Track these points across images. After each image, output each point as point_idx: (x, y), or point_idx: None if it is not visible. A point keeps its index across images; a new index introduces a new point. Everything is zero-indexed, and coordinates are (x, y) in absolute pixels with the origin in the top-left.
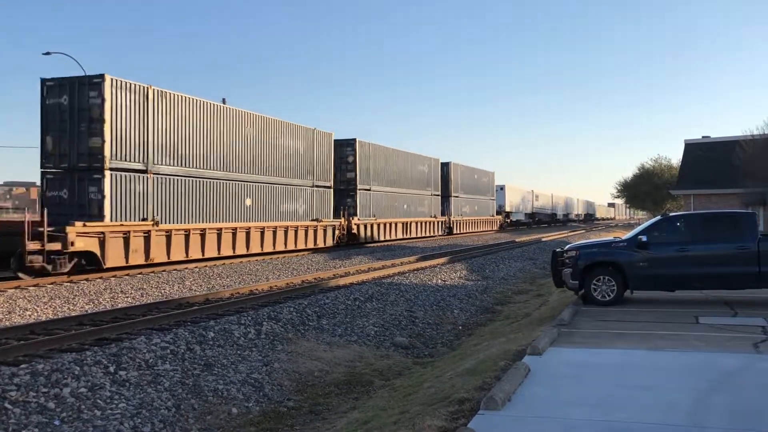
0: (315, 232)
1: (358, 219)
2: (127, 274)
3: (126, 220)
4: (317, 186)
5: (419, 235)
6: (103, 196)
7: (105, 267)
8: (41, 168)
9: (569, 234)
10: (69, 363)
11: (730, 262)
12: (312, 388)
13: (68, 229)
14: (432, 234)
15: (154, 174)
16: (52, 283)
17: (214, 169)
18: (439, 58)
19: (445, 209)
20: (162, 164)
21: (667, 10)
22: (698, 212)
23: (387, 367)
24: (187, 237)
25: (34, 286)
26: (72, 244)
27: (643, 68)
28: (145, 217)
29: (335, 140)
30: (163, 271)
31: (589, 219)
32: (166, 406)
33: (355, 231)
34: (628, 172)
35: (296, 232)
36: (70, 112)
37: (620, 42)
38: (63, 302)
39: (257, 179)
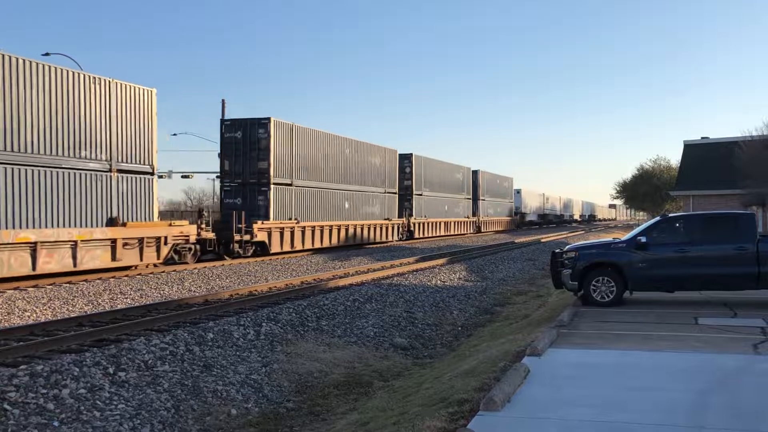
0: (387, 228)
1: (415, 218)
2: (127, 275)
3: (281, 220)
4: (388, 192)
5: (456, 233)
6: (268, 203)
7: (270, 252)
8: (221, 182)
9: (568, 235)
10: (68, 364)
11: (729, 263)
12: (311, 389)
13: (254, 225)
14: (465, 232)
15: (295, 186)
16: (51, 284)
17: (329, 182)
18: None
19: (474, 210)
20: (300, 179)
21: (667, 11)
22: (697, 213)
23: (386, 368)
24: (313, 231)
25: (33, 287)
26: (255, 236)
27: (642, 69)
28: (291, 217)
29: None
30: (162, 272)
31: (592, 219)
32: (165, 407)
33: (412, 228)
34: (628, 173)
35: (376, 228)
36: (243, 143)
37: (620, 43)
38: (62, 303)
39: (350, 188)
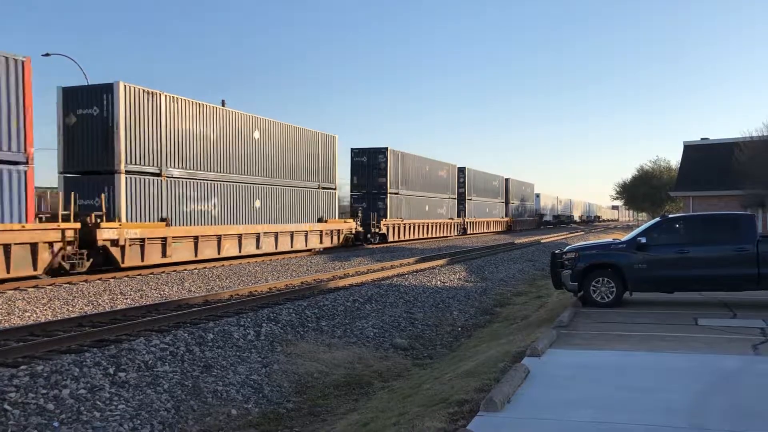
0: (449, 226)
1: (387, 220)
2: (127, 275)
3: (392, 218)
4: (450, 198)
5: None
6: (386, 207)
7: (387, 241)
8: (351, 191)
9: (568, 236)
10: (68, 364)
11: (729, 263)
12: (311, 390)
13: (382, 222)
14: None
15: (400, 195)
16: (51, 285)
17: (419, 191)
18: (433, 59)
19: (507, 212)
20: (401, 189)
21: (667, 13)
22: (697, 214)
23: (386, 369)
24: (404, 227)
25: (33, 287)
26: (380, 229)
27: (642, 70)
28: (399, 216)
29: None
30: (162, 272)
31: (597, 220)
32: (165, 408)
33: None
34: (628, 174)
35: (440, 225)
36: (368, 166)
37: (620, 44)
38: (62, 304)
39: (430, 195)
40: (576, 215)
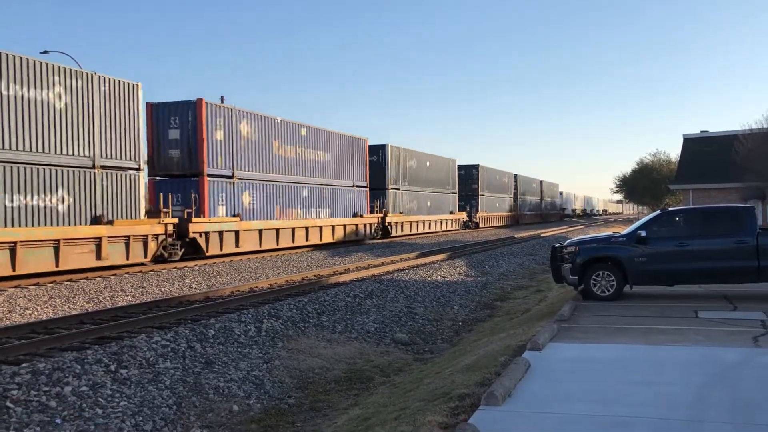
0: (449, 222)
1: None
2: (127, 273)
3: (396, 213)
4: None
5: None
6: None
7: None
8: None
9: (568, 229)
10: (70, 362)
11: (729, 256)
12: (313, 385)
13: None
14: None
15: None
16: (52, 282)
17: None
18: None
19: (540, 210)
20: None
21: (667, 6)
22: (697, 207)
23: (387, 364)
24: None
25: (34, 285)
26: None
27: (642, 63)
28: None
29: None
30: (163, 269)
31: (605, 213)
32: (167, 404)
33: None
34: (628, 167)
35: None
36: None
37: (619, 37)
38: (63, 301)
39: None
40: (588, 209)
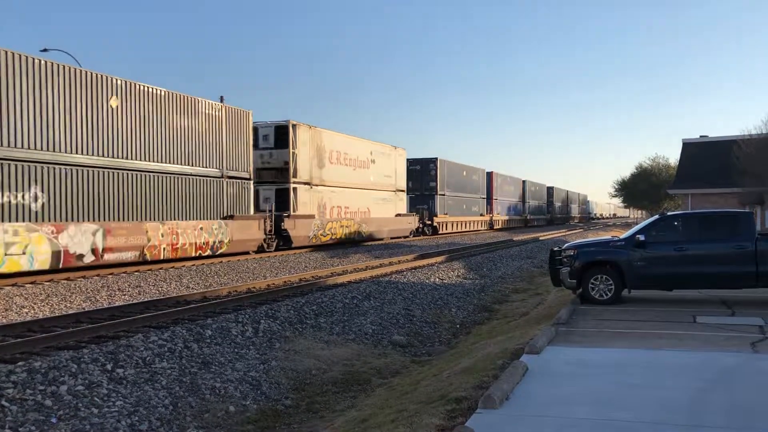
0: (478, 222)
1: (439, 216)
2: (125, 272)
3: (441, 215)
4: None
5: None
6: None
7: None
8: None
9: (566, 233)
10: (66, 361)
11: (727, 261)
12: (310, 387)
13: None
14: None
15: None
16: (49, 281)
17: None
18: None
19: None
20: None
21: (666, 10)
22: (696, 211)
23: (385, 366)
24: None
25: (31, 283)
26: (433, 223)
27: (642, 67)
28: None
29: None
30: (161, 269)
31: (612, 217)
32: (163, 404)
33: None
34: (627, 171)
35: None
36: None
37: (620, 43)
38: (60, 300)
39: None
40: (594, 213)
